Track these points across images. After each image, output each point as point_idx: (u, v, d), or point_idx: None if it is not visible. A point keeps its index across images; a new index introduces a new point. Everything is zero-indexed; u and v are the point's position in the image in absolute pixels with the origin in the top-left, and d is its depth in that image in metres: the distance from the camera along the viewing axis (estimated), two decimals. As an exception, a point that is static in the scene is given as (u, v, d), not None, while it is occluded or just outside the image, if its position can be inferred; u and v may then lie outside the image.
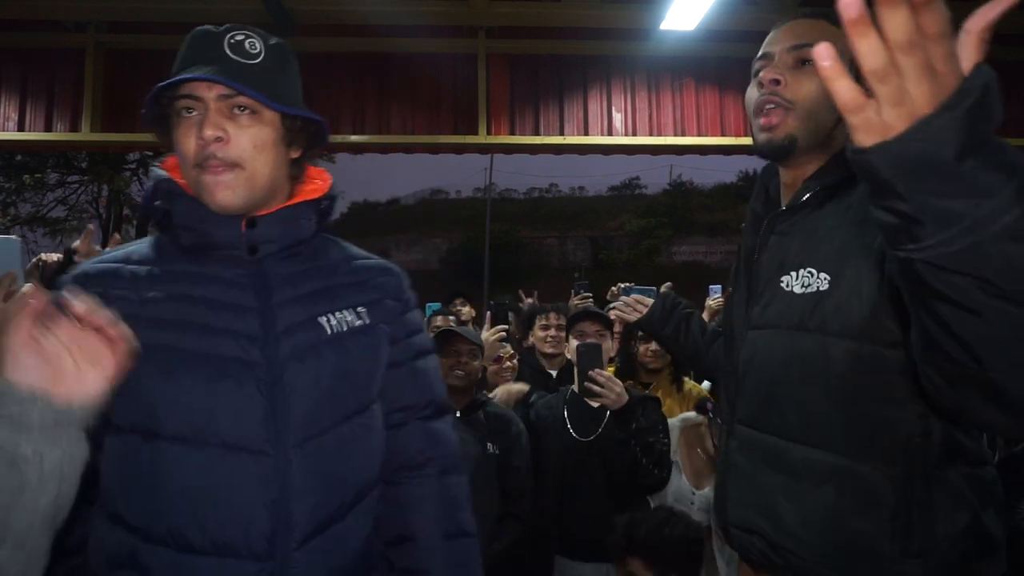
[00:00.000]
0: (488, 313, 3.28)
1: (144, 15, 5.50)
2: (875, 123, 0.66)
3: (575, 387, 2.69)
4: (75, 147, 9.35)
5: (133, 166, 18.88)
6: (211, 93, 1.06)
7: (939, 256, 0.68)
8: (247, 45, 1.11)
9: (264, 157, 1.08)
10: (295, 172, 1.16)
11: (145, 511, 1.01)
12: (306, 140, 1.15)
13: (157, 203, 1.10)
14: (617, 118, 5.97)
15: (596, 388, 2.31)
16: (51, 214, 17.52)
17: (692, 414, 2.87)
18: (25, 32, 5.69)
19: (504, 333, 3.11)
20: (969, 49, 0.74)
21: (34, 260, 2.77)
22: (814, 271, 1.14)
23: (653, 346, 3.11)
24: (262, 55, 1.11)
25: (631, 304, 2.08)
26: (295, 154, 1.15)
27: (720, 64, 5.94)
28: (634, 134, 5.97)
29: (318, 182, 1.20)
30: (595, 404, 2.46)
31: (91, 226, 2.74)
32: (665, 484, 2.58)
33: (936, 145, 0.64)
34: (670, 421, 2.67)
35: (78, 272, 1.09)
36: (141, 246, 1.14)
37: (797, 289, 1.16)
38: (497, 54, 5.92)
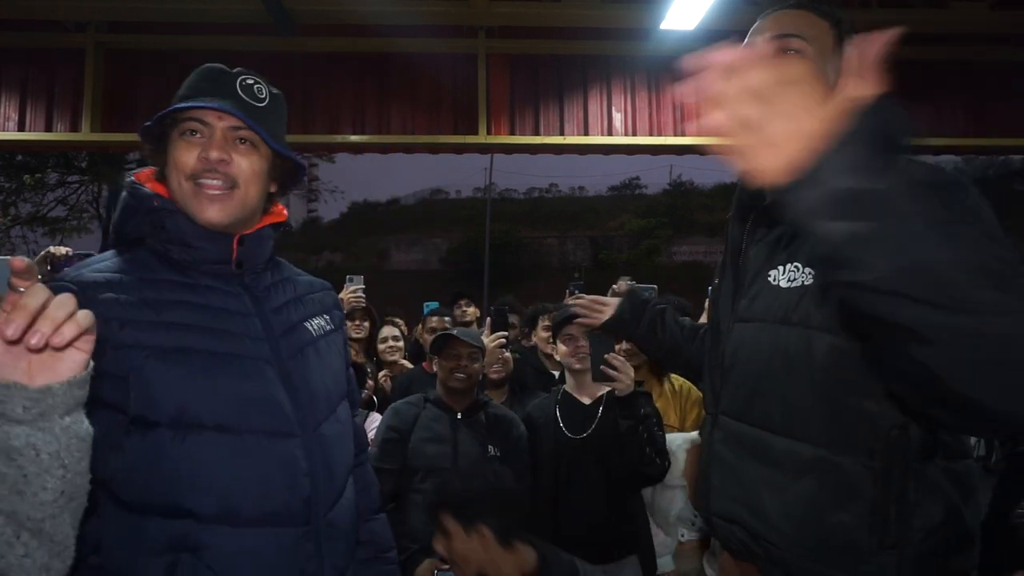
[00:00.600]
0: (488, 319, 3.26)
1: (144, 15, 5.50)
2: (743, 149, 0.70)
3: (567, 386, 2.72)
4: (75, 147, 9.36)
5: (133, 166, 18.88)
6: (221, 123, 1.20)
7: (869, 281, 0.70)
8: (255, 89, 1.25)
9: (255, 184, 1.23)
10: (268, 204, 1.33)
11: (193, 496, 1.11)
12: (284, 178, 1.33)
13: (148, 218, 1.20)
14: (617, 118, 5.97)
15: (612, 372, 2.33)
16: (51, 214, 17.51)
17: (696, 434, 2.83)
18: (25, 32, 5.69)
19: (504, 340, 3.09)
20: (858, 82, 0.77)
21: (42, 253, 2.78)
22: (800, 265, 1.15)
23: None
24: (267, 100, 1.26)
25: (589, 307, 1.92)
26: (273, 188, 1.32)
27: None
28: (634, 134, 5.97)
29: (276, 209, 1.37)
30: (611, 389, 2.44)
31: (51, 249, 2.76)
32: (665, 474, 2.55)
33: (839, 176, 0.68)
34: (674, 439, 2.64)
35: (76, 279, 1.13)
36: (118, 258, 1.20)
37: (783, 283, 1.16)
38: (497, 54, 5.92)
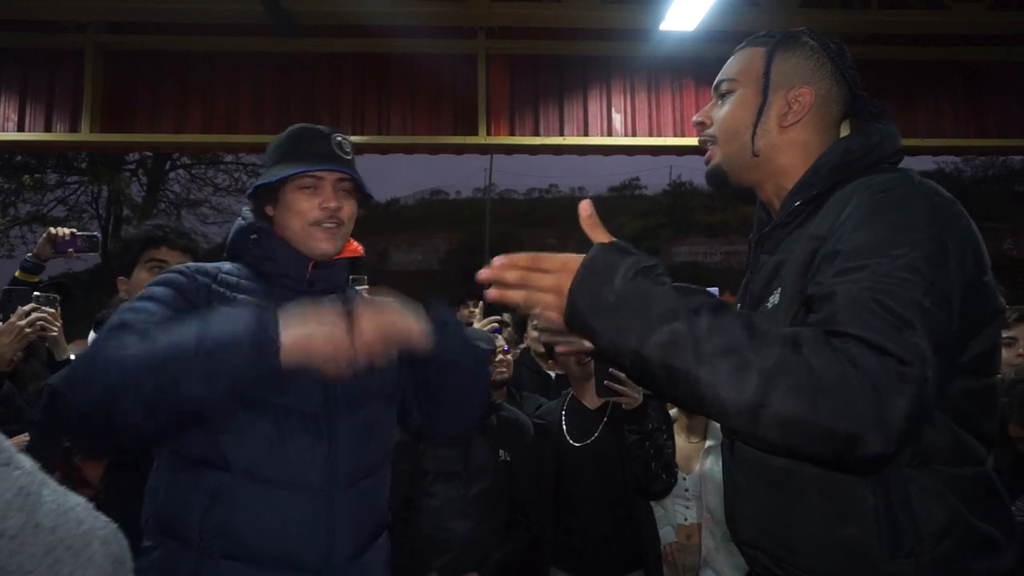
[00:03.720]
0: (480, 303, 3.21)
1: (144, 15, 5.50)
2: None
3: (574, 391, 2.63)
4: (75, 147, 9.35)
5: (132, 166, 18.86)
6: (332, 176, 1.48)
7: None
8: (345, 146, 1.52)
9: (352, 221, 1.53)
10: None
11: (217, 531, 1.25)
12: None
13: (253, 237, 1.48)
14: (617, 119, 5.97)
15: (617, 387, 2.19)
16: (51, 214, 17.50)
17: None
18: (25, 32, 5.69)
19: (496, 324, 3.05)
20: (592, 231, 1.09)
21: (45, 234, 2.78)
22: (782, 289, 1.16)
23: None
24: (351, 153, 1.54)
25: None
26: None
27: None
28: (634, 135, 5.96)
29: (351, 246, 1.61)
30: (623, 404, 2.31)
31: (52, 230, 2.77)
32: (671, 490, 2.47)
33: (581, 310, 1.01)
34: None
35: (189, 266, 1.43)
36: (222, 264, 1.49)
37: (769, 307, 1.18)
38: (497, 55, 5.92)
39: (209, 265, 1.46)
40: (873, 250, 0.99)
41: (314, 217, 1.46)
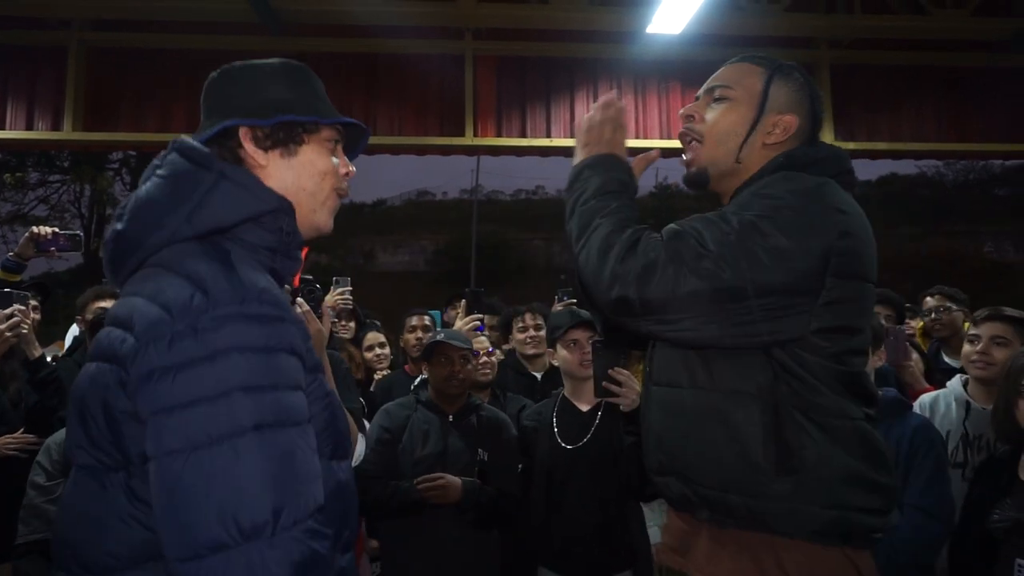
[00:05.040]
0: (463, 301, 3.18)
1: (128, 13, 5.45)
2: None
3: (566, 391, 2.62)
4: (57, 146, 9.23)
5: (116, 165, 18.68)
6: (341, 140, 1.20)
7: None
8: None
9: None
10: None
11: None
12: None
13: (288, 230, 1.09)
14: (604, 121, 5.98)
15: (616, 388, 2.21)
16: (32, 213, 17.30)
17: None
18: (7, 29, 5.62)
19: (479, 322, 3.03)
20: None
21: (27, 234, 2.75)
22: None
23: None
24: None
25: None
26: None
27: (706, 68, 5.86)
28: (621, 137, 5.97)
29: None
30: (619, 405, 2.30)
31: (35, 229, 2.73)
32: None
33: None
34: None
35: (278, 299, 0.98)
36: (239, 265, 1.01)
37: None
38: (484, 56, 5.92)
39: (259, 285, 0.97)
40: (737, 211, 1.23)
41: (338, 183, 1.18)
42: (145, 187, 1.05)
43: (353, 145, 1.26)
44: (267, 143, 1.10)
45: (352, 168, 1.20)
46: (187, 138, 1.08)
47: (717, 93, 1.42)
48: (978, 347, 2.54)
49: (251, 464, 0.85)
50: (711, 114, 1.42)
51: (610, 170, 1.37)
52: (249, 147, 1.09)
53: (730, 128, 1.39)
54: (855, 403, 1.25)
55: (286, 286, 1.25)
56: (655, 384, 1.41)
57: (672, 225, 1.27)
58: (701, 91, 1.47)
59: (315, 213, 1.15)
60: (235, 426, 0.85)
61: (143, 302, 0.93)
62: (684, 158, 1.46)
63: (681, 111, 1.47)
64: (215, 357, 0.87)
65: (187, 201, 1.00)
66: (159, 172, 1.05)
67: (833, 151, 1.39)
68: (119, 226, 1.05)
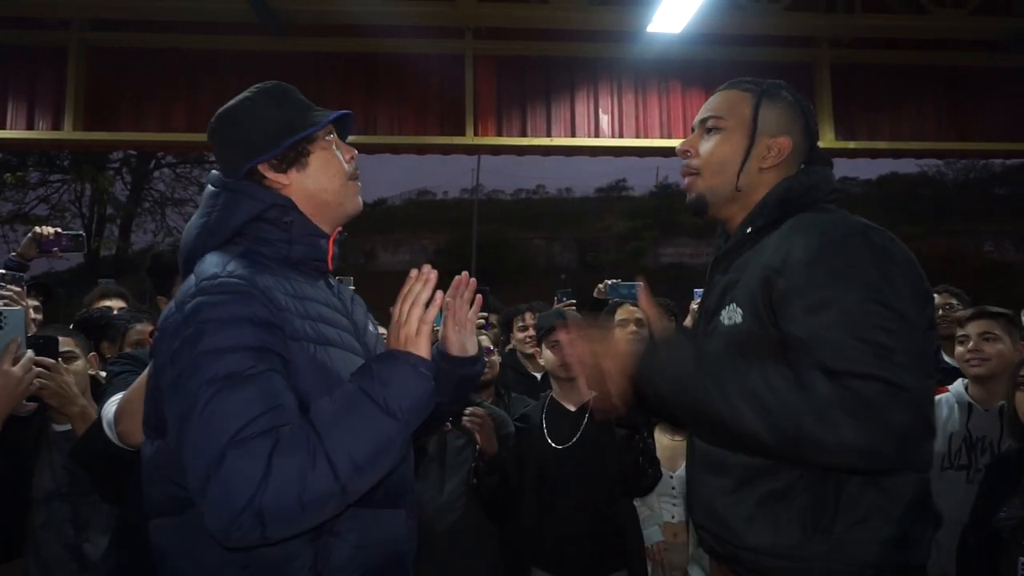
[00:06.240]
0: None
1: (128, 13, 5.45)
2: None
3: (554, 393, 2.65)
4: (57, 146, 9.22)
5: (116, 165, 18.67)
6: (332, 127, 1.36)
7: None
8: None
9: None
10: None
11: None
12: None
13: (288, 220, 1.28)
14: (604, 120, 5.99)
15: None
16: (33, 212, 17.29)
17: None
18: (7, 29, 5.62)
19: (482, 321, 3.03)
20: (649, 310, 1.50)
21: (29, 234, 2.74)
22: (735, 305, 1.33)
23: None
24: None
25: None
26: None
27: (706, 67, 5.96)
28: (621, 136, 5.98)
29: None
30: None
31: (37, 229, 2.72)
32: (656, 484, 2.52)
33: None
34: None
35: (251, 281, 1.17)
36: (243, 259, 1.24)
37: (726, 322, 1.35)
38: (484, 55, 5.92)
39: (239, 272, 1.18)
40: (833, 288, 1.19)
41: (349, 170, 1.35)
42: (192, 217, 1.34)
43: (343, 128, 1.40)
44: (283, 166, 1.30)
45: (354, 151, 1.37)
46: (215, 173, 1.34)
47: (709, 124, 1.46)
48: (969, 346, 2.56)
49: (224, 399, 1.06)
50: (705, 146, 1.45)
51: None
52: (271, 175, 1.29)
53: (725, 158, 1.42)
54: (930, 448, 1.24)
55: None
56: (701, 440, 1.42)
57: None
58: (695, 122, 1.51)
59: (343, 205, 1.34)
60: (209, 378, 1.06)
61: (170, 303, 1.21)
62: (684, 186, 1.50)
63: (677, 147, 1.50)
64: (198, 332, 1.10)
65: (209, 216, 1.28)
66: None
67: (824, 175, 1.43)
68: (179, 252, 1.33)
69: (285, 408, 1.08)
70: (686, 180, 1.48)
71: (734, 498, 1.30)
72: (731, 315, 1.33)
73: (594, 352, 1.32)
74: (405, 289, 1.22)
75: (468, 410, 2.37)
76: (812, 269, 1.22)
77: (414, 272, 1.24)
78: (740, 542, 1.28)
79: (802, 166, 1.44)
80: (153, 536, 1.21)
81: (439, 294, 1.23)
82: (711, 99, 1.50)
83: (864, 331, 1.14)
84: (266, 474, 1.00)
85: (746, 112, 1.43)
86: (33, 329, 2.42)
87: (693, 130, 1.51)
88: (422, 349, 1.17)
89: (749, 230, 1.40)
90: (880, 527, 1.21)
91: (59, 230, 2.76)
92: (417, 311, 1.19)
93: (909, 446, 1.12)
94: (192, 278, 1.19)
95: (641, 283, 1.51)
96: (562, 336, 1.38)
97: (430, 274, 1.23)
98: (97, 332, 2.87)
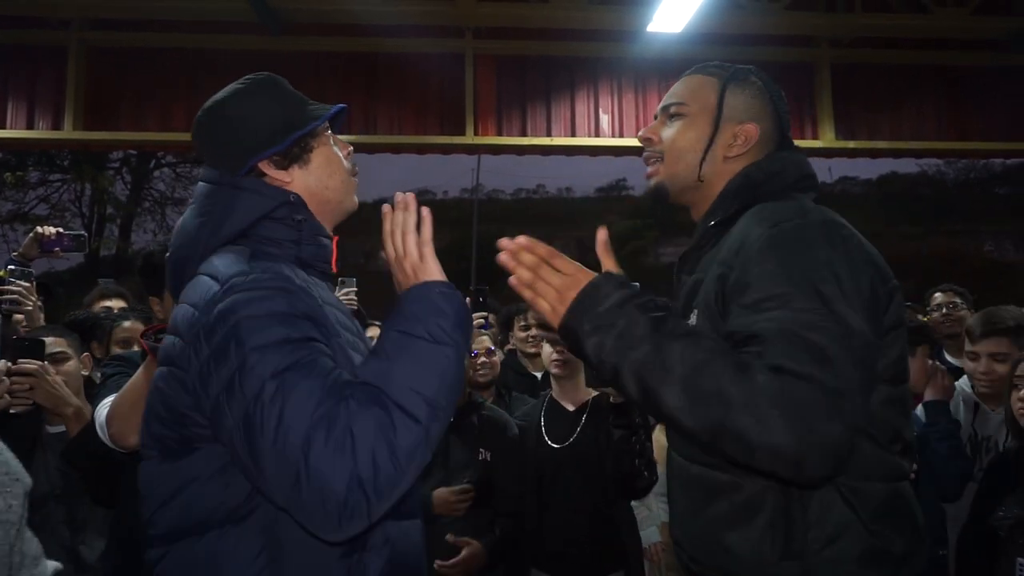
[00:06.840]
0: (467, 300, 3.17)
1: (128, 12, 5.46)
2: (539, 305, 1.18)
3: (553, 392, 2.64)
4: (57, 145, 9.23)
5: (116, 164, 18.67)
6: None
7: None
8: None
9: None
10: None
11: None
12: None
13: (299, 218, 1.23)
14: (604, 119, 5.98)
15: None
16: (33, 212, 17.28)
17: None
18: (7, 29, 5.62)
19: (482, 320, 3.02)
20: (604, 257, 1.33)
21: (31, 234, 2.74)
22: (697, 314, 1.26)
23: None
24: None
25: None
26: None
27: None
28: (621, 135, 5.98)
29: None
30: (597, 396, 2.38)
31: (39, 229, 2.72)
32: (653, 487, 2.49)
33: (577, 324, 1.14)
34: None
35: (287, 279, 1.11)
36: (258, 261, 1.17)
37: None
38: (484, 55, 5.91)
39: (274, 269, 1.14)
40: (781, 284, 1.10)
41: (349, 166, 1.32)
42: (184, 215, 1.25)
43: (335, 123, 1.36)
44: (286, 163, 1.25)
45: (350, 147, 1.34)
46: (209, 169, 1.26)
47: (672, 110, 1.38)
48: (981, 368, 2.52)
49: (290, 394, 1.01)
50: (667, 132, 1.38)
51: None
52: (272, 172, 1.24)
53: (687, 145, 1.35)
54: (900, 458, 1.19)
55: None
56: (677, 454, 1.36)
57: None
58: (658, 109, 1.43)
59: (342, 202, 1.31)
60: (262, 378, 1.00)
61: (182, 306, 1.12)
62: (646, 174, 1.42)
63: (639, 134, 1.44)
64: (239, 331, 1.02)
65: (210, 215, 1.20)
66: (190, 201, 1.25)
67: (792, 160, 1.34)
68: (169, 253, 1.25)
69: (345, 379, 1.04)
70: (648, 167, 1.41)
71: (702, 517, 1.24)
72: (693, 320, 1.27)
73: (551, 258, 1.17)
74: (387, 225, 1.18)
75: (439, 565, 2.35)
76: (762, 263, 1.13)
77: (387, 208, 1.18)
78: (712, 563, 1.23)
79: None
80: (168, 562, 1.10)
81: (425, 210, 1.19)
82: (676, 84, 1.42)
83: (809, 332, 1.04)
84: (354, 447, 0.96)
85: (711, 97, 1.35)
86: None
87: (655, 118, 1.44)
88: (433, 272, 1.15)
89: (712, 224, 1.32)
90: (853, 544, 1.13)
91: (61, 230, 2.75)
92: (412, 237, 1.17)
93: (836, 461, 1.03)
94: (206, 279, 1.11)
95: (602, 230, 1.37)
96: (507, 242, 1.19)
97: (407, 197, 1.19)
98: (85, 333, 2.86)
